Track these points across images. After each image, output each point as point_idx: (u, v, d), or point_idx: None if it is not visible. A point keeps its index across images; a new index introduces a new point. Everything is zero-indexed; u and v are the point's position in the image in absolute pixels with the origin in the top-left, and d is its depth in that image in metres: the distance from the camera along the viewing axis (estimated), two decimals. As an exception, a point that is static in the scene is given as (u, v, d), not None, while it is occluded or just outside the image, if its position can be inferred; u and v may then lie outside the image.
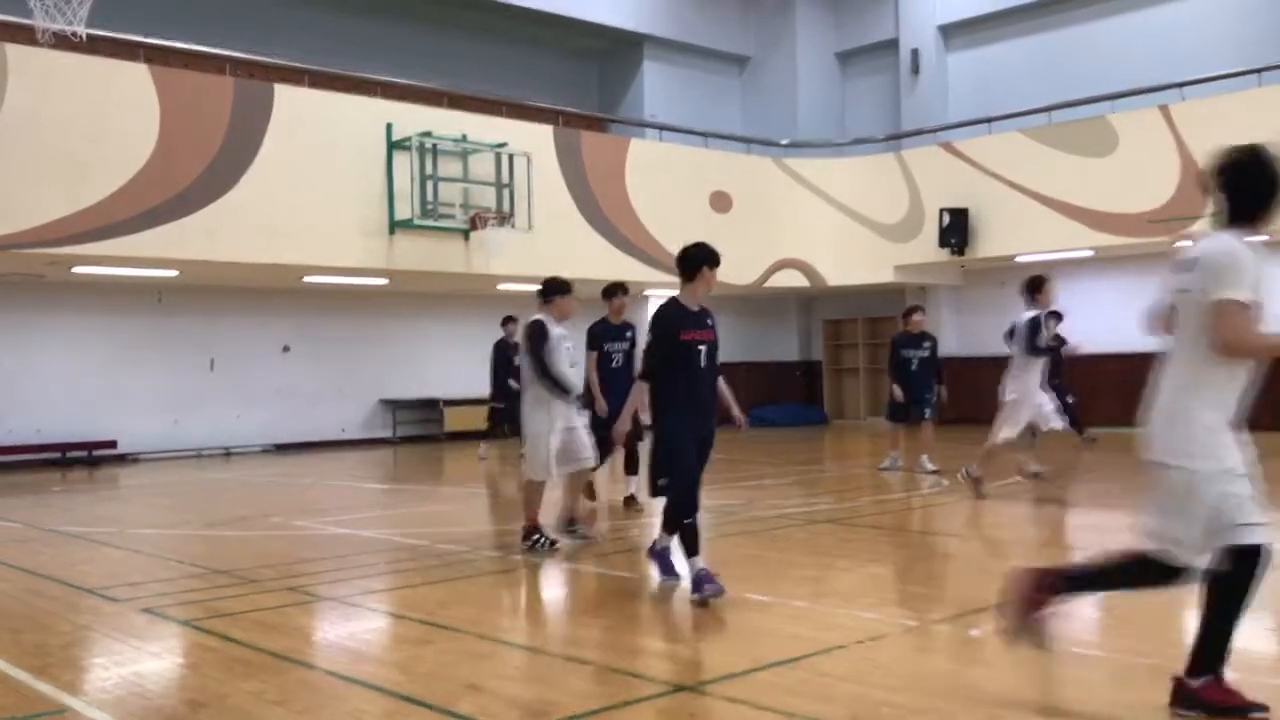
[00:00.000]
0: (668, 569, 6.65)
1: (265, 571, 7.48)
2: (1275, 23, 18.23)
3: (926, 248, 19.93)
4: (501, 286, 19.52)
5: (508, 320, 16.11)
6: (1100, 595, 6.30)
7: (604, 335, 9.85)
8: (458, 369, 21.21)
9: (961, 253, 19.49)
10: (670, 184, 19.52)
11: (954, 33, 22.83)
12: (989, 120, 19.72)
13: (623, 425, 7.06)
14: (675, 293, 6.54)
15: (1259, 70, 17.12)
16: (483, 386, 21.32)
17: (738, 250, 20.01)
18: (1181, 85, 17.47)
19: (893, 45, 23.51)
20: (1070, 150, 18.38)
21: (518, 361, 16.31)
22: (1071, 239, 18.37)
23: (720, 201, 20.04)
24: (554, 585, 7.33)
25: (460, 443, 20.06)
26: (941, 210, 19.56)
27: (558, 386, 7.95)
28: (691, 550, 6.27)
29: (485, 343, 21.58)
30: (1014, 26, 21.99)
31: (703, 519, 8.56)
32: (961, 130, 20.56)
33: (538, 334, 7.97)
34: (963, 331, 22.00)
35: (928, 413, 13.10)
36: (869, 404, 23.82)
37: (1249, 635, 5.55)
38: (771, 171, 21.12)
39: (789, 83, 24.44)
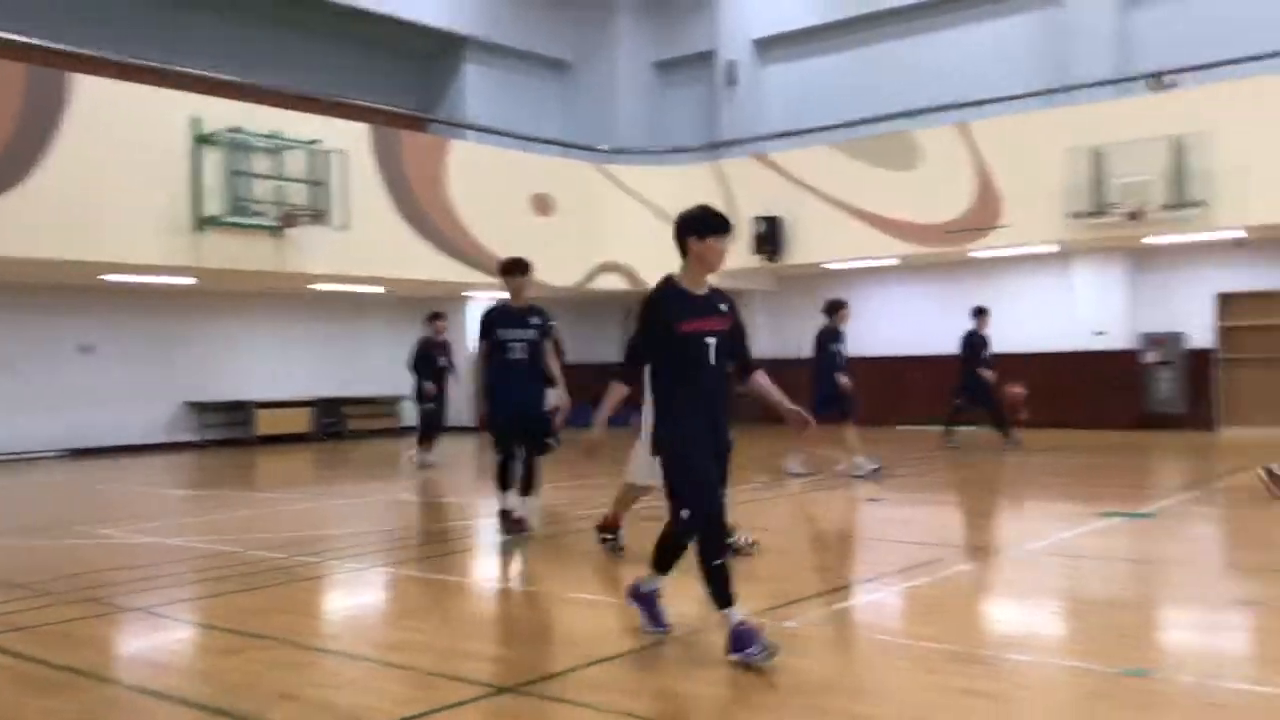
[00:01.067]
0: (657, 618, 5.41)
1: (65, 582, 7.08)
2: (1062, 48, 19.45)
3: (742, 254, 20.41)
4: (316, 286, 19.04)
5: (435, 316, 15.33)
6: (905, 586, 6.61)
7: (499, 320, 8.44)
8: (270, 371, 20.57)
9: (774, 260, 20.08)
10: (491, 186, 19.42)
11: (769, 46, 23.48)
12: (801, 133, 20.37)
13: (598, 434, 5.39)
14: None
15: (1049, 92, 18.31)
16: (294, 388, 20.81)
17: (559, 253, 20.08)
18: (978, 104, 18.48)
19: (710, 57, 24.01)
20: (876, 164, 19.18)
21: (442, 361, 15.85)
22: (877, 248, 19.15)
23: (542, 205, 20.06)
24: (374, 589, 7.20)
25: (273, 446, 19.44)
26: (756, 218, 20.10)
27: None
28: (724, 600, 4.95)
29: (300, 343, 21.10)
30: (825, 43, 22.77)
31: (537, 522, 8.57)
32: (775, 141, 21.17)
33: None
34: (776, 335, 22.64)
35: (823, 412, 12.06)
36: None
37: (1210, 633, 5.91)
38: (592, 176, 21.26)
39: (608, 89, 24.67)
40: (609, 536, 7.70)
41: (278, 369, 20.61)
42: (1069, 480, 12.60)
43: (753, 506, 10.76)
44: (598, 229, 20.82)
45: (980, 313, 15.65)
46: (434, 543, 8.79)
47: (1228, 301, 17.79)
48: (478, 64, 23.70)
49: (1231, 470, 12.43)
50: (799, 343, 21.88)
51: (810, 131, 20.22)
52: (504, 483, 8.54)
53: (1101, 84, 18.04)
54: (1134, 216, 16.27)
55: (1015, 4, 20.47)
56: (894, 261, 19.79)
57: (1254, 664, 5.00)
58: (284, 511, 11.18)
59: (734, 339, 5.20)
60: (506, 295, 8.62)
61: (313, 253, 16.49)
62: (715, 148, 22.33)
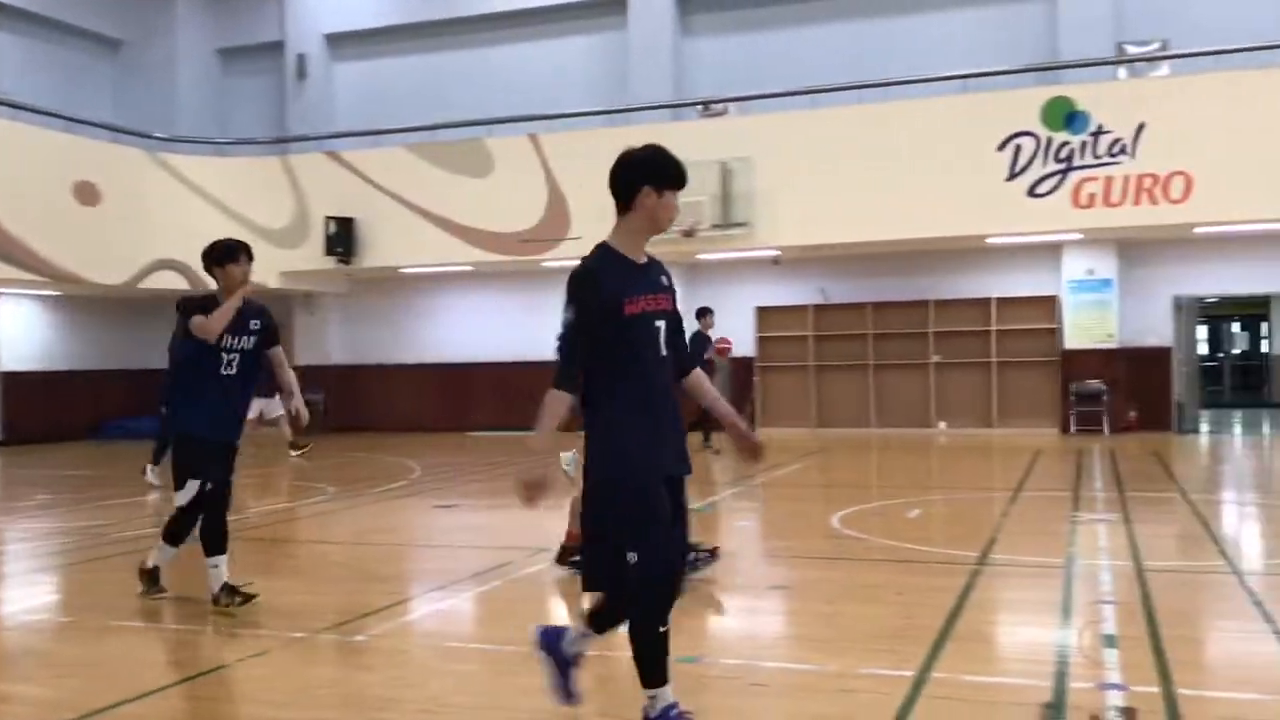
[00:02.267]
0: (570, 688, 4.12)
1: None
2: (624, 69, 20.60)
3: (313, 255, 19.80)
4: None
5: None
6: (476, 591, 6.70)
7: None
8: None
9: (348, 262, 19.65)
10: (26, 170, 17.40)
11: (341, 43, 22.95)
12: (375, 133, 20.08)
13: (538, 469, 3.86)
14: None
15: (612, 111, 19.34)
16: None
17: (108, 248, 18.48)
18: (548, 118, 19.14)
19: (279, 48, 23.08)
20: (451, 169, 19.31)
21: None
22: (452, 254, 19.28)
23: (86, 194, 18.30)
24: None
25: None
26: (328, 218, 19.56)
27: None
28: (657, 676, 3.91)
29: None
30: (399, 45, 22.60)
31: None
32: (349, 140, 20.71)
33: None
34: (349, 339, 22.22)
35: None
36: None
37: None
38: (146, 165, 19.70)
39: (167, 74, 23.03)
40: (577, 559, 6.39)
41: None
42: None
43: (320, 519, 10.48)
44: (151, 223, 19.31)
45: (704, 313, 15.79)
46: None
47: (764, 314, 19.69)
48: (8, 33, 21.24)
49: (767, 468, 13.74)
50: (375, 348, 21.73)
51: (384, 132, 19.98)
52: (181, 535, 6.41)
53: (659, 107, 19.34)
54: (688, 234, 17.57)
55: (582, 24, 21.42)
56: (469, 268, 20.02)
57: (788, 643, 5.56)
58: None
59: (675, 324, 4.11)
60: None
61: None
62: (284, 142, 21.50)
